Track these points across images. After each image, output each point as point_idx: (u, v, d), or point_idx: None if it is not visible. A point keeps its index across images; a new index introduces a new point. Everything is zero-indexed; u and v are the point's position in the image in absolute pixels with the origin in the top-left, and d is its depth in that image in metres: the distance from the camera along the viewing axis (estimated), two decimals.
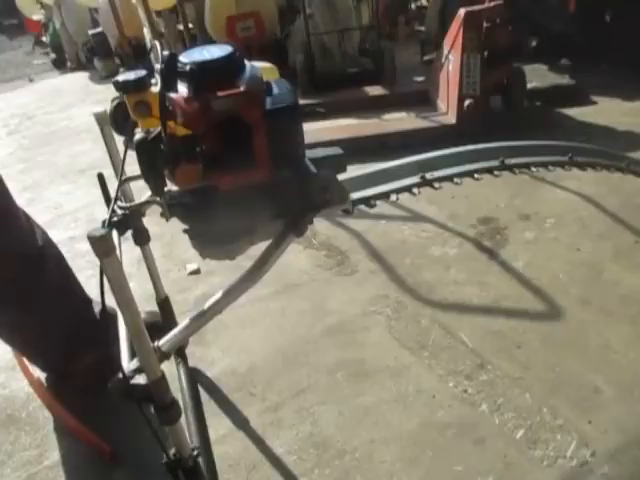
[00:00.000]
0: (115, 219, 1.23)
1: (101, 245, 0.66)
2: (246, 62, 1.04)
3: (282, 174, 1.01)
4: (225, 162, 0.97)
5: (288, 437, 1.89)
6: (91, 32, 7.80)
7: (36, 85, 8.72)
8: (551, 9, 5.71)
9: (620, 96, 4.82)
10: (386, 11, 7.16)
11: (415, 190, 2.36)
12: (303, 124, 1.04)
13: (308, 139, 1.05)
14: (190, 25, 5.82)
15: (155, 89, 1.13)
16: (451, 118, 4.37)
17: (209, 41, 5.88)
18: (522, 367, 2.07)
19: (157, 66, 1.00)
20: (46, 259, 1.51)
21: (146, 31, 5.16)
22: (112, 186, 1.29)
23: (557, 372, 2.04)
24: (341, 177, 1.12)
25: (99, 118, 1.45)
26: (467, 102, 4.21)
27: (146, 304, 2.39)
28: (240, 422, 1.97)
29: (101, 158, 1.91)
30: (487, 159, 2.47)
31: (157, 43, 3.96)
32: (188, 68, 0.96)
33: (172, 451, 0.93)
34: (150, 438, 0.87)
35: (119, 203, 1.27)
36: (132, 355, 1.00)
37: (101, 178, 1.33)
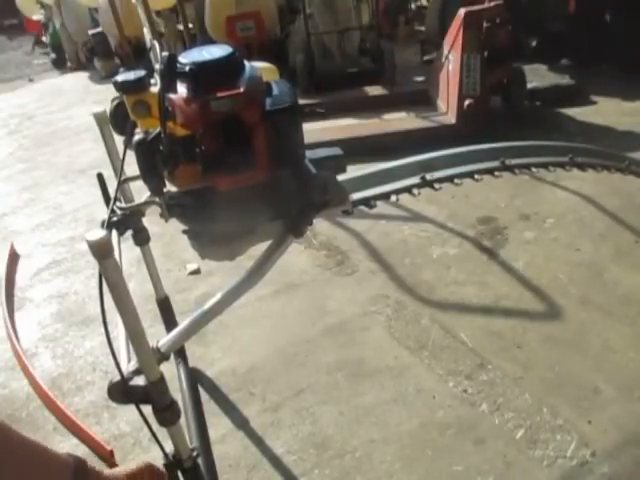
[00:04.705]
0: (115, 219, 1.23)
1: (99, 247, 0.66)
2: (246, 62, 1.04)
3: (282, 175, 1.01)
4: (224, 163, 0.97)
5: (288, 437, 1.89)
6: (91, 32, 7.80)
7: (36, 85, 8.71)
8: (551, 9, 5.71)
9: (620, 96, 4.82)
10: (386, 11, 7.15)
11: (415, 191, 2.35)
12: (303, 124, 1.04)
13: (308, 139, 1.05)
14: (190, 25, 5.81)
15: (154, 89, 1.13)
16: (451, 118, 4.37)
17: (209, 41, 5.87)
18: (522, 367, 2.07)
19: (156, 66, 1.00)
20: None
21: (146, 31, 5.15)
22: (112, 186, 1.29)
23: (557, 372, 2.03)
24: (341, 177, 1.12)
25: (99, 118, 1.44)
26: (467, 102, 4.21)
27: (146, 304, 2.39)
28: (240, 422, 1.97)
29: (101, 158, 1.91)
30: (487, 159, 2.47)
31: (156, 43, 3.96)
32: (187, 68, 0.96)
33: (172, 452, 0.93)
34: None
35: (118, 204, 1.27)
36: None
37: (101, 178, 1.33)
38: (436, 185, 2.34)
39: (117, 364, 0.78)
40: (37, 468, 0.67)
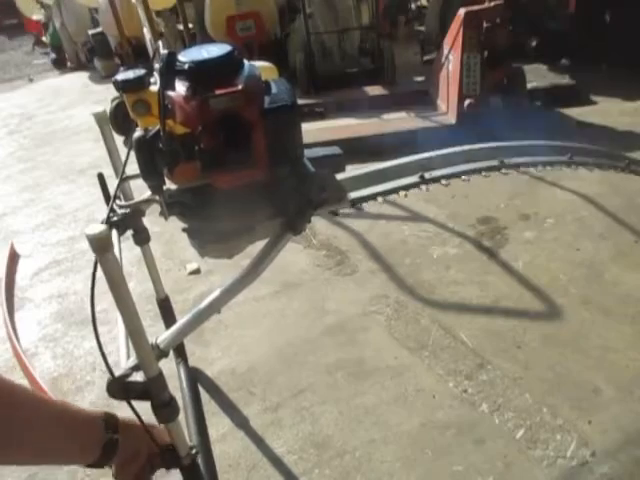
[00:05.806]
0: (115, 219, 1.23)
1: (99, 242, 0.66)
2: (245, 61, 1.04)
3: (280, 173, 1.01)
4: (223, 161, 0.96)
5: (288, 437, 1.89)
6: (91, 32, 7.81)
7: (36, 85, 8.72)
8: (551, 9, 5.72)
9: (620, 96, 4.82)
10: (386, 11, 7.15)
11: (414, 190, 2.36)
12: (303, 124, 1.03)
13: (308, 139, 1.05)
14: (190, 25, 5.81)
15: (154, 88, 1.12)
16: (451, 118, 4.37)
17: (209, 41, 5.87)
18: (522, 367, 2.07)
19: (156, 65, 1.00)
20: None
21: (146, 31, 5.15)
22: (112, 186, 1.29)
23: (557, 372, 2.03)
24: (340, 177, 1.12)
25: (99, 118, 1.44)
26: (467, 102, 4.21)
27: (146, 304, 2.39)
28: (240, 421, 1.97)
29: (101, 158, 1.91)
30: (486, 159, 2.47)
31: (160, 45, 3.96)
32: (186, 67, 0.96)
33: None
34: None
35: (118, 202, 1.27)
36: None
37: (101, 178, 1.33)
38: (435, 184, 2.34)
39: (105, 360, 0.78)
40: (67, 420, 0.71)
